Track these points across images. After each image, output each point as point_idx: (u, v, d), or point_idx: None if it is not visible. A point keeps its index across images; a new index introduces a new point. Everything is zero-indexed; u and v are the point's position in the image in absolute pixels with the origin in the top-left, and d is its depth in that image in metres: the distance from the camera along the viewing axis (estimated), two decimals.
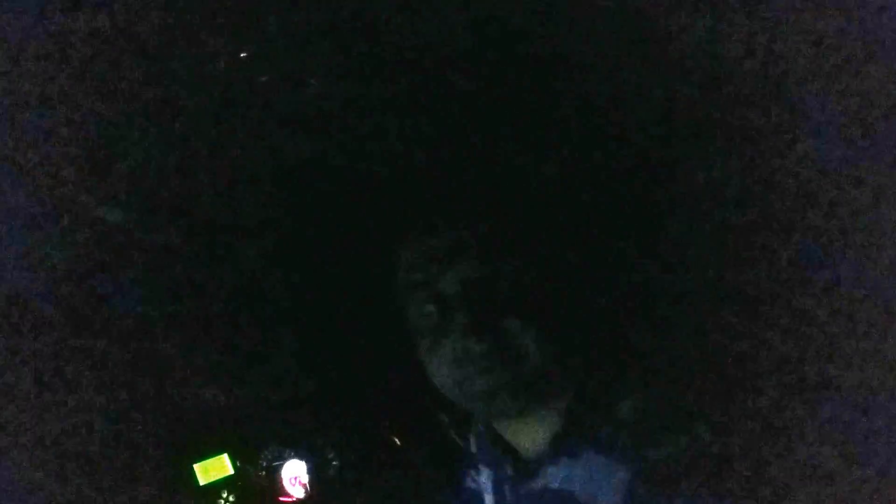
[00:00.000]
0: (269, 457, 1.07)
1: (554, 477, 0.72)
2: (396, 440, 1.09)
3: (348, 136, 0.70)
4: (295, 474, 1.08)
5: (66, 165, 0.73)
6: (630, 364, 0.69)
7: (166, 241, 0.77)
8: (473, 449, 0.91)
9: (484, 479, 0.89)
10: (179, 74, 0.61)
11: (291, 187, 0.78)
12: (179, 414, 0.99)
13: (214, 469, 1.04)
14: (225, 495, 1.04)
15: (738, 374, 0.67)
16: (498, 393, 0.69)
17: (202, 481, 1.03)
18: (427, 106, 0.68)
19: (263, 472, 1.07)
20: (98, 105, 0.67)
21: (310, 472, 1.08)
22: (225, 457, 1.05)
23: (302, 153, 0.70)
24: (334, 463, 1.10)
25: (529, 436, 0.75)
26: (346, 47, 0.61)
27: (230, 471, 1.05)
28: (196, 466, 1.03)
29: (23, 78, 0.67)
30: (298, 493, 1.07)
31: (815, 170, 0.66)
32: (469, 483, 0.93)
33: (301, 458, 1.07)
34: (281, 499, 1.07)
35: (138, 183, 0.71)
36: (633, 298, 0.72)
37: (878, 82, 0.62)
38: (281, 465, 1.07)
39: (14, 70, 0.66)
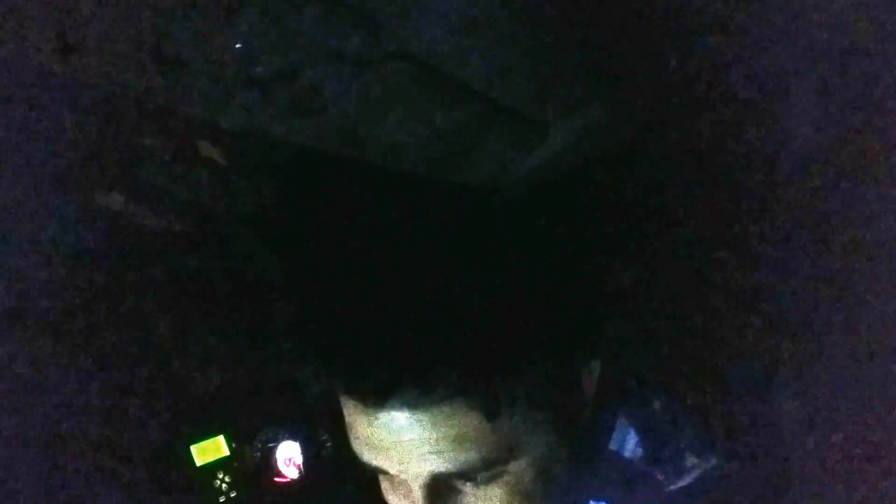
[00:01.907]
0: (265, 438, 1.09)
1: None
2: None
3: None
4: (289, 455, 1.10)
5: (65, 153, 0.74)
6: None
7: (165, 226, 0.78)
8: None
9: None
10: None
11: (288, 175, 0.79)
12: (176, 396, 1.01)
13: (211, 450, 1.06)
14: (221, 476, 1.06)
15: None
16: None
17: (199, 462, 1.05)
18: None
19: (258, 454, 1.09)
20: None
21: (304, 453, 1.10)
22: (221, 438, 1.07)
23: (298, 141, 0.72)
24: (328, 444, 1.12)
25: None
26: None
27: (226, 452, 1.07)
28: (193, 448, 1.04)
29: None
30: (293, 473, 1.09)
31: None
32: None
33: (295, 439, 1.09)
34: (276, 479, 1.09)
35: (136, 169, 0.72)
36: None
37: None
38: (275, 447, 1.09)
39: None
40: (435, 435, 0.50)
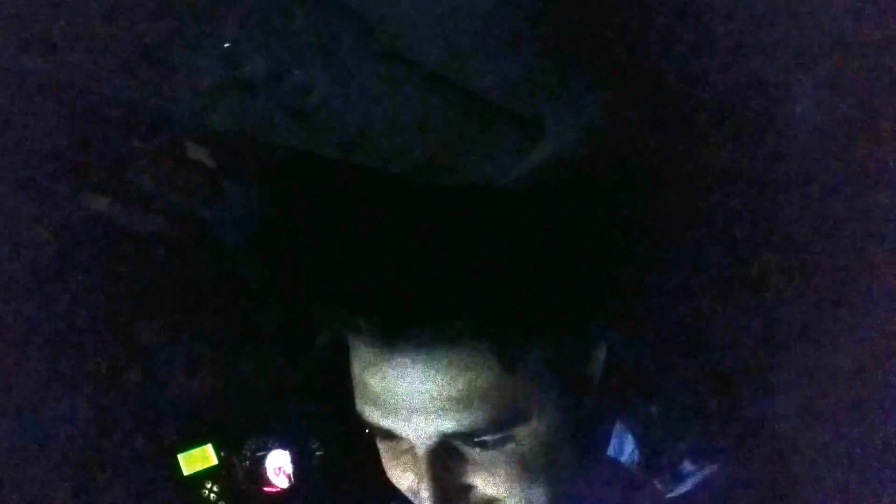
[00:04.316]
0: (253, 447, 1.08)
1: None
2: None
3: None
4: (279, 464, 1.08)
5: (48, 153, 0.73)
6: None
7: (153, 228, 0.77)
8: None
9: None
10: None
11: (277, 179, 0.78)
12: (163, 404, 1.00)
13: (198, 459, 1.05)
14: (209, 485, 1.05)
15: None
16: None
17: (186, 471, 1.03)
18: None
19: (247, 463, 1.08)
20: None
21: (293, 462, 1.08)
22: (209, 447, 1.05)
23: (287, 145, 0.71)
24: (318, 453, 1.11)
25: None
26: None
27: (214, 461, 1.06)
28: (180, 456, 1.03)
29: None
30: (282, 483, 1.08)
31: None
32: None
33: (285, 448, 1.08)
34: (265, 489, 1.07)
35: (123, 171, 0.71)
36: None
37: None
38: (265, 456, 1.08)
39: None
40: (445, 391, 0.49)
